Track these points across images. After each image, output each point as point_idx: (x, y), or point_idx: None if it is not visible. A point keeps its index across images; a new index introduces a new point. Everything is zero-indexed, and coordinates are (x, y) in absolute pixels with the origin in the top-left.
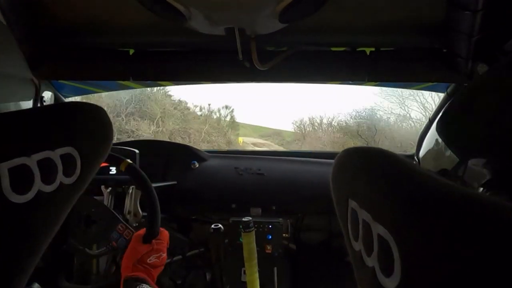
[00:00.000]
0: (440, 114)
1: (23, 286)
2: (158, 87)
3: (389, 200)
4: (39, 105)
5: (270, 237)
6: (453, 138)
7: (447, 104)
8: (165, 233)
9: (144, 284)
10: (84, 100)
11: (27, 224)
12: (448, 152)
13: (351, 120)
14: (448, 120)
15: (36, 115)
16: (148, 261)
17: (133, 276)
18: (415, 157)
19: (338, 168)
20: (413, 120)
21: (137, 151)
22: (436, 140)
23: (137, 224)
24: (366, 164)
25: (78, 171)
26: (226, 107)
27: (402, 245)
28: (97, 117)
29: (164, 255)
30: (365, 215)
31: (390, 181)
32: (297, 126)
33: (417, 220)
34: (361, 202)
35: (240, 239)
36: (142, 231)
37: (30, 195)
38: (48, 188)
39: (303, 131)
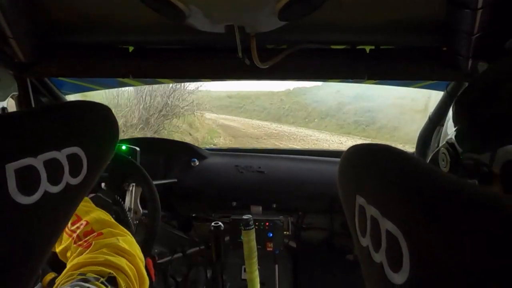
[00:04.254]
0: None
1: (31, 286)
2: None
3: (398, 196)
4: (33, 103)
5: (271, 235)
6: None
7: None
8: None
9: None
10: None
11: (34, 225)
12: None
13: None
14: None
15: (42, 115)
16: None
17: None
18: (415, 155)
19: (345, 164)
20: None
21: (138, 148)
22: (445, 137)
23: (137, 222)
24: (374, 160)
25: (84, 171)
26: None
27: (411, 240)
28: (103, 116)
29: None
30: (373, 211)
31: (399, 177)
32: None
33: (426, 215)
34: (369, 198)
35: (241, 237)
36: None
37: (36, 196)
38: (55, 189)
39: None
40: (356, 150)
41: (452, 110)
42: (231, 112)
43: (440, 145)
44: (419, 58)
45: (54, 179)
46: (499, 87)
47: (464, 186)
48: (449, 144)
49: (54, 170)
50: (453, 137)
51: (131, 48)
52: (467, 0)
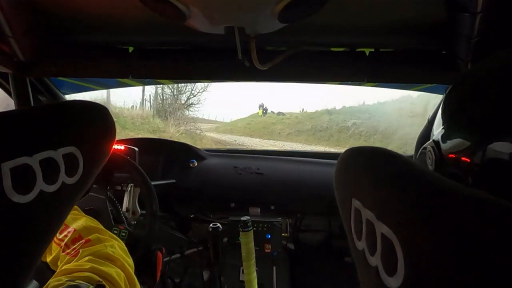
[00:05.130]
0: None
1: (25, 286)
2: None
3: (393, 199)
4: (32, 102)
5: (269, 236)
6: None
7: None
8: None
9: None
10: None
11: (29, 224)
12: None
13: None
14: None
15: (39, 114)
16: None
17: None
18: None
19: (341, 168)
20: None
21: (136, 149)
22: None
23: (135, 222)
24: (370, 163)
25: (80, 170)
26: None
27: (406, 244)
28: (100, 116)
29: None
30: (368, 215)
31: (394, 180)
32: None
33: (421, 219)
34: (365, 202)
35: (239, 238)
36: None
37: (32, 195)
38: (50, 188)
39: None
40: (352, 153)
41: (441, 108)
42: (313, 142)
43: (427, 143)
44: (419, 61)
45: (49, 178)
46: (485, 86)
47: (459, 190)
48: (435, 142)
49: (50, 169)
50: (439, 136)
51: (131, 49)
52: (466, 4)
